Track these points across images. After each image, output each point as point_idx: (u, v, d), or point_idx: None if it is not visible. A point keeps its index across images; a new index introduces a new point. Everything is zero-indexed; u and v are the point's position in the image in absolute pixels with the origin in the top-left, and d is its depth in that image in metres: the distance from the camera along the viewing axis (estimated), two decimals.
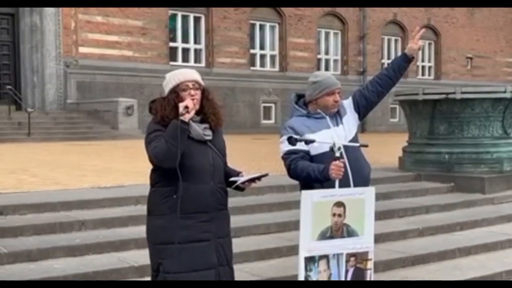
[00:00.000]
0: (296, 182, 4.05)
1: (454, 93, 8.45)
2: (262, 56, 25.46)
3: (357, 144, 3.75)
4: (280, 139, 3.81)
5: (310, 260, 3.54)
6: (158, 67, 21.98)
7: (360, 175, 3.77)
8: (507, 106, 8.52)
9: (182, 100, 3.19)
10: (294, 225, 6.43)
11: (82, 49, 20.34)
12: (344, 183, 3.62)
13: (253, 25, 24.88)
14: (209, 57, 23.54)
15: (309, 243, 3.53)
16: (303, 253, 3.53)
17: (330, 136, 3.67)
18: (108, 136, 17.50)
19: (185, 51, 23.38)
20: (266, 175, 3.44)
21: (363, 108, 3.92)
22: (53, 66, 19.53)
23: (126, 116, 18.60)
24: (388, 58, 29.77)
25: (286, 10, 25.36)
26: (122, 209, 6.35)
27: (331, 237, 3.56)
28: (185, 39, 23.35)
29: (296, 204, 6.89)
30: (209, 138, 3.31)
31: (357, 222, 3.64)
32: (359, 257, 3.67)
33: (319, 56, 26.97)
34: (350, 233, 3.61)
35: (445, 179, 8.50)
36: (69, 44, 19.97)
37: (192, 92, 3.25)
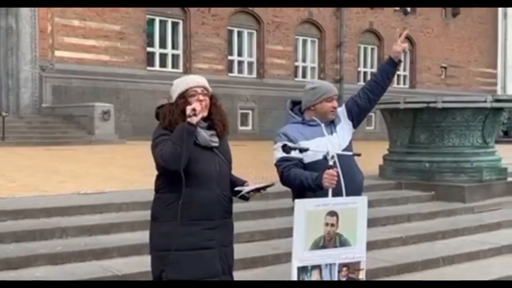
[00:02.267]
0: (279, 190, 4.01)
1: (435, 102, 8.50)
2: (240, 63, 25.45)
3: (350, 153, 3.73)
4: (273, 146, 3.76)
5: (302, 270, 3.50)
6: (135, 72, 21.86)
7: (353, 184, 3.75)
8: (487, 115, 8.60)
9: (190, 105, 3.17)
10: (278, 233, 6.41)
11: (58, 53, 20.08)
12: (337, 192, 3.59)
13: (231, 32, 24.86)
14: (187, 63, 23.44)
15: (302, 253, 3.48)
16: (296, 263, 3.48)
17: (324, 144, 3.65)
18: (84, 141, 17.29)
19: (163, 56, 23.26)
20: (272, 185, 3.41)
21: (356, 115, 3.90)
22: (28, 69, 19.25)
23: (102, 121, 18.40)
24: (364, 67, 30.05)
25: (264, 17, 25.40)
26: (104, 216, 6.25)
27: (324, 246, 3.52)
28: (162, 44, 23.23)
29: (279, 212, 6.95)
30: (216, 144, 3.30)
31: (350, 232, 3.60)
32: (351, 267, 3.64)
33: (296, 64, 27.05)
34: (343, 243, 3.58)
35: (425, 188, 8.55)
36: (45, 48, 19.71)
37: (201, 97, 3.24)
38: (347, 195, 3.65)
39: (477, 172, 8.66)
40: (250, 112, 24.77)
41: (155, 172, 3.32)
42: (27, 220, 5.85)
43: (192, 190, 3.14)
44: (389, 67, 3.90)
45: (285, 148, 3.48)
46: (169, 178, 3.18)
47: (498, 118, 9.12)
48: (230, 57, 24.86)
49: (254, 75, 25.71)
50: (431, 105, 8.55)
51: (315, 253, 3.50)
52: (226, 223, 3.34)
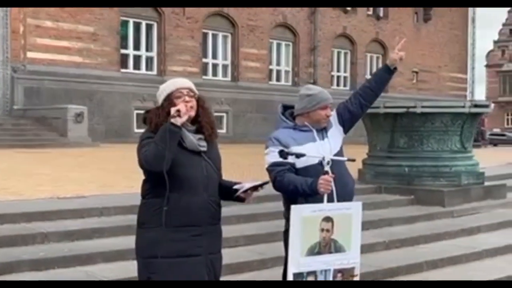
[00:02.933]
0: (262, 194, 3.94)
1: (415, 107, 8.58)
2: (214, 66, 25.40)
3: (345, 159, 3.72)
4: (265, 150, 3.72)
5: (298, 276, 3.47)
6: (109, 74, 21.64)
7: (345, 190, 3.74)
8: (465, 121, 8.70)
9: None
10: (263, 238, 6.37)
11: (30, 54, 19.78)
12: (329, 198, 3.57)
13: (205, 34, 24.80)
14: (161, 65, 23.30)
15: (298, 259, 3.45)
16: (292, 269, 3.45)
17: (316, 150, 3.63)
18: (56, 143, 17.02)
19: (137, 58, 23.09)
20: (267, 182, 3.36)
21: (347, 121, 3.89)
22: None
23: (75, 123, 18.16)
24: (338, 71, 30.25)
25: (239, 20, 25.41)
26: (85, 221, 6.15)
27: (319, 252, 3.50)
28: (136, 46, 23.07)
29: (264, 216, 6.93)
30: (204, 149, 3.21)
31: (344, 238, 3.59)
32: (346, 273, 3.63)
33: (270, 67, 27.11)
34: (338, 249, 3.56)
35: (405, 192, 8.61)
36: (17, 49, 19.41)
37: (187, 98, 3.17)
38: (338, 200, 3.63)
39: (456, 177, 8.75)
40: (224, 115, 24.72)
41: (133, 175, 3.24)
42: (6, 225, 5.71)
43: (179, 196, 3.07)
44: (385, 74, 3.89)
45: (282, 154, 3.45)
46: (155, 183, 3.09)
47: (476, 123, 9.24)
48: (204, 60, 24.80)
49: (229, 78, 25.68)
50: (411, 110, 8.62)
51: (310, 259, 3.48)
52: (214, 230, 3.26)
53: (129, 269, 4.59)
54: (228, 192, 3.35)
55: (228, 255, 5.63)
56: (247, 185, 3.33)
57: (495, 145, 42.28)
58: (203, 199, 3.16)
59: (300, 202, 3.56)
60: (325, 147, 3.71)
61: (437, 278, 5.84)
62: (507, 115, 75.10)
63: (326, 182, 3.44)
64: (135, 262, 3.26)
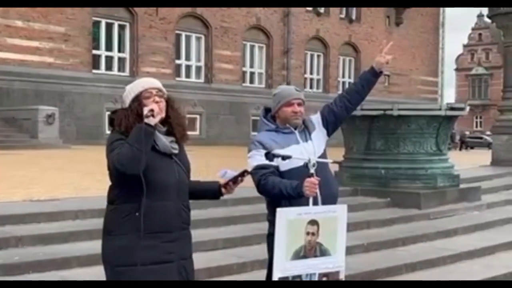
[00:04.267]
0: (239, 196, 3.91)
1: (391, 109, 8.59)
2: (188, 67, 25.27)
3: (330, 161, 3.67)
4: (248, 154, 3.65)
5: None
6: (80, 75, 21.37)
7: (329, 193, 3.69)
8: (441, 123, 8.75)
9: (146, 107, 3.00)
10: (241, 241, 6.31)
11: (0, 54, 19.40)
12: (314, 201, 3.52)
13: (179, 36, 24.66)
14: (133, 66, 23.10)
15: (283, 263, 3.39)
16: (277, 274, 3.38)
17: (299, 152, 3.58)
18: (27, 145, 16.71)
19: (109, 59, 22.85)
20: (246, 171, 3.25)
21: (331, 124, 3.85)
22: None
23: (46, 124, 17.88)
24: (311, 73, 30.35)
25: (212, 22, 25.32)
26: (60, 224, 6.00)
27: (304, 256, 3.44)
28: (108, 47, 22.84)
29: (241, 219, 6.85)
30: (176, 151, 3.10)
31: (330, 241, 3.54)
32: (331, 277, 3.58)
33: (244, 69, 27.08)
34: (323, 252, 3.51)
35: (381, 194, 8.61)
36: None
37: (157, 98, 3.04)
38: (323, 203, 3.59)
39: (432, 179, 8.79)
40: (197, 117, 24.59)
41: (107, 178, 3.06)
42: None
43: (151, 201, 2.94)
44: (372, 77, 3.86)
45: (268, 156, 3.39)
46: (125, 187, 2.96)
47: (451, 126, 9.30)
48: (177, 61, 24.66)
49: (202, 79, 25.57)
50: (387, 112, 8.64)
51: (296, 263, 3.42)
52: (185, 235, 3.15)
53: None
54: (198, 192, 3.27)
55: (207, 259, 5.60)
56: (230, 172, 3.23)
57: (472, 148, 42.91)
58: (176, 204, 3.05)
59: (284, 205, 3.51)
60: (309, 149, 3.66)
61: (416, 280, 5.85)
62: (476, 118, 76.33)
63: (311, 185, 3.39)
64: None
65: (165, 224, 3.02)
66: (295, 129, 3.69)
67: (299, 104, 3.69)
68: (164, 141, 3.05)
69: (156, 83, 3.13)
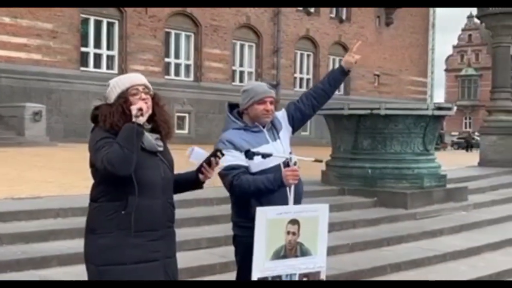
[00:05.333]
0: (223, 195, 3.81)
1: (378, 108, 8.56)
2: (177, 65, 25.15)
3: (312, 159, 3.60)
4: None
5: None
6: (68, 72, 21.21)
7: (297, 191, 3.60)
8: (428, 123, 8.72)
9: (131, 105, 2.91)
10: (225, 241, 6.23)
11: None
12: (282, 199, 3.46)
13: (168, 34, 24.53)
14: (122, 64, 22.94)
15: (263, 263, 3.33)
16: (256, 274, 3.32)
17: (269, 152, 3.50)
18: (13, 142, 16.51)
19: (97, 56, 22.69)
20: (219, 150, 3.15)
21: (298, 121, 3.78)
22: None
23: (33, 122, 17.70)
24: (300, 73, 30.32)
25: (202, 20, 25.21)
26: (41, 222, 5.92)
27: (285, 256, 3.38)
28: (97, 45, 22.67)
29: (225, 218, 6.75)
30: (161, 149, 3.05)
31: (311, 241, 3.49)
32: (311, 278, 3.52)
33: (234, 68, 26.99)
34: (304, 252, 3.45)
35: (368, 194, 8.58)
36: None
37: (143, 95, 2.97)
38: (290, 202, 3.52)
39: (418, 179, 8.76)
40: (186, 115, 24.49)
41: (91, 176, 3.02)
42: None
43: (137, 199, 2.89)
44: (339, 76, 3.83)
45: (248, 154, 3.32)
46: (110, 186, 2.90)
47: (438, 126, 9.28)
48: (167, 59, 24.54)
49: (191, 78, 25.46)
50: (375, 111, 8.60)
51: (276, 263, 3.37)
52: (170, 233, 3.11)
53: (85, 273, 4.40)
54: (180, 185, 3.19)
55: (190, 258, 5.53)
56: (197, 149, 3.12)
57: (462, 148, 43.04)
58: (161, 202, 3.00)
59: (254, 205, 3.43)
60: (278, 148, 3.58)
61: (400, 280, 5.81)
62: (465, 118, 76.64)
63: (293, 173, 3.34)
64: None
65: (151, 222, 2.97)
66: (263, 127, 3.62)
67: (271, 103, 3.61)
68: (150, 139, 3.00)
69: (142, 79, 3.06)
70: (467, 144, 40.34)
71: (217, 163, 3.13)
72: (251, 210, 3.44)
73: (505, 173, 13.43)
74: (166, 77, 24.17)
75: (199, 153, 3.15)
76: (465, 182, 10.52)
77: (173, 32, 24.73)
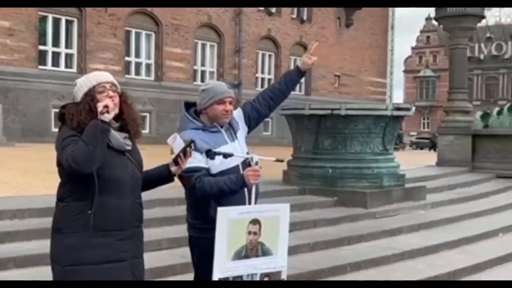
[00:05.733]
0: (184, 196, 3.78)
1: (339, 109, 8.63)
2: (138, 64, 24.92)
3: (273, 159, 3.61)
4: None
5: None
6: (26, 71, 20.81)
7: (255, 191, 3.61)
8: (387, 123, 8.83)
9: (99, 102, 2.89)
10: (186, 241, 6.17)
11: None
12: (241, 200, 3.47)
13: (128, 32, 24.29)
14: (81, 63, 22.63)
15: (224, 264, 3.33)
16: (217, 274, 3.31)
17: (230, 152, 3.50)
18: None
19: (55, 55, 22.32)
20: (192, 140, 3.18)
21: (254, 121, 3.79)
22: None
23: None
24: (262, 73, 30.40)
25: (163, 19, 25.04)
26: None
27: (246, 256, 3.38)
28: (55, 43, 22.30)
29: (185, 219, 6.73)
30: (129, 148, 3.03)
31: (272, 241, 3.50)
32: (273, 277, 3.53)
33: (195, 67, 26.89)
34: (265, 252, 3.46)
35: (329, 193, 8.64)
36: None
37: (111, 93, 2.95)
38: (249, 202, 3.53)
39: (378, 178, 8.87)
40: (147, 115, 24.27)
41: (50, 176, 2.98)
42: None
43: (104, 198, 2.86)
44: (296, 77, 3.85)
45: (209, 154, 3.30)
46: (76, 185, 2.88)
47: (397, 126, 9.41)
48: (127, 58, 24.30)
49: (152, 77, 25.27)
50: (335, 112, 8.67)
51: (237, 263, 3.36)
52: (138, 233, 3.10)
53: (43, 275, 4.32)
54: (150, 181, 3.21)
55: (151, 259, 5.42)
56: (179, 138, 3.12)
57: (421, 148, 43.70)
58: (130, 201, 2.98)
59: (212, 206, 3.42)
60: (237, 148, 3.58)
61: (360, 279, 5.87)
62: (423, 119, 78.01)
63: (255, 173, 3.34)
64: (49, 268, 3.02)
65: (119, 222, 2.94)
66: (221, 127, 3.61)
67: (230, 103, 3.60)
68: (118, 137, 2.97)
69: (109, 77, 3.04)
70: (432, 144, 41.03)
71: (190, 154, 3.15)
72: (210, 211, 3.44)
73: (461, 173, 13.72)
74: (127, 76, 23.92)
75: (179, 142, 3.15)
76: (423, 182, 10.70)
77: (133, 30, 24.50)
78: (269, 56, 30.65)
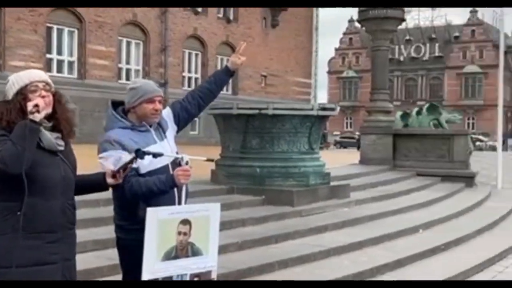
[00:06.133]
0: (110, 196, 3.73)
1: (266, 108, 8.72)
2: (60, 62, 24.26)
3: (204, 158, 3.60)
4: (101, 154, 3.36)
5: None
6: None
7: (185, 191, 3.61)
8: (313, 123, 9.00)
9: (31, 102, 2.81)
10: (112, 243, 6.08)
11: None
12: (171, 200, 3.45)
13: (50, 29, 23.60)
14: (0, 60, 21.79)
15: (153, 265, 3.30)
16: (146, 276, 3.28)
17: (159, 152, 3.48)
18: None
19: None
20: (135, 157, 3.14)
21: (183, 121, 3.78)
22: None
23: None
24: (189, 72, 30.25)
25: (86, 16, 24.48)
26: None
27: (176, 257, 3.37)
28: None
29: (112, 220, 6.60)
30: (62, 148, 2.96)
31: (202, 241, 3.50)
32: (202, 277, 3.53)
33: (120, 65, 26.44)
34: (195, 252, 3.45)
35: (257, 192, 8.71)
36: None
37: (43, 93, 2.87)
38: (180, 203, 3.52)
39: (304, 177, 9.02)
40: None
41: None
42: None
43: (35, 199, 2.80)
44: (225, 77, 3.88)
45: (139, 154, 3.25)
46: (5, 185, 2.79)
47: (323, 126, 9.59)
48: (48, 55, 23.61)
49: (75, 75, 24.66)
50: (263, 111, 8.76)
51: (166, 264, 3.35)
52: (70, 235, 3.06)
53: None
54: (85, 187, 3.18)
55: (77, 261, 5.35)
56: (123, 159, 3.09)
57: (345, 147, 44.60)
58: (61, 203, 2.92)
59: (142, 207, 3.39)
60: (166, 148, 3.56)
61: (287, 277, 5.95)
62: (347, 119, 79.89)
63: (185, 173, 3.32)
64: None
65: (50, 224, 2.88)
66: (150, 127, 3.58)
67: (159, 102, 3.58)
68: (49, 137, 2.90)
69: (42, 75, 2.97)
70: (359, 144, 41.99)
71: (130, 168, 3.14)
72: (138, 212, 3.40)
73: (383, 171, 14.13)
74: (48, 73, 22.82)
75: (118, 159, 3.10)
76: (347, 180, 10.96)
77: (55, 27, 23.82)
78: (196, 55, 30.54)
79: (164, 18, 27.91)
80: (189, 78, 30.25)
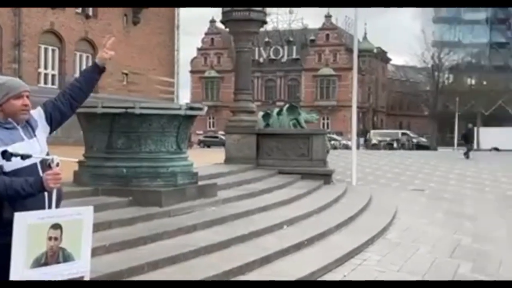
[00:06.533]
0: None
1: (133, 107, 8.55)
2: None
3: (75, 160, 3.47)
4: None
5: None
6: None
7: (57, 194, 3.46)
8: (181, 122, 8.95)
9: None
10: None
11: None
12: (40, 202, 3.30)
13: None
14: None
15: (21, 272, 3.13)
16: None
17: (25, 150, 3.32)
18: None
19: None
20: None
21: (56, 120, 3.66)
22: None
23: None
24: (45, 68, 28.88)
25: None
26: None
27: (46, 264, 3.22)
28: None
29: None
30: None
31: (74, 245, 3.37)
32: None
33: None
34: (66, 258, 3.32)
35: (123, 193, 8.51)
36: None
37: None
38: (50, 206, 3.38)
39: (172, 177, 8.94)
40: None
41: None
42: None
43: None
44: (94, 74, 3.80)
45: (5, 155, 3.07)
46: None
47: (190, 125, 9.57)
48: None
49: None
50: (129, 110, 8.57)
51: (36, 271, 3.19)
52: None
53: None
54: None
55: None
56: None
57: (208, 146, 44.79)
58: None
59: (6, 208, 3.22)
60: (35, 147, 3.43)
61: (159, 278, 5.89)
62: (210, 118, 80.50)
63: (55, 176, 3.19)
64: None
65: None
66: (18, 124, 3.42)
67: (27, 97, 3.44)
68: None
69: None
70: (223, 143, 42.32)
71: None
72: (4, 214, 3.23)
73: (247, 170, 14.39)
74: None
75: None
76: (214, 179, 11.02)
77: None
78: (53, 50, 29.21)
79: (18, 12, 26.42)
80: (45, 75, 28.88)
